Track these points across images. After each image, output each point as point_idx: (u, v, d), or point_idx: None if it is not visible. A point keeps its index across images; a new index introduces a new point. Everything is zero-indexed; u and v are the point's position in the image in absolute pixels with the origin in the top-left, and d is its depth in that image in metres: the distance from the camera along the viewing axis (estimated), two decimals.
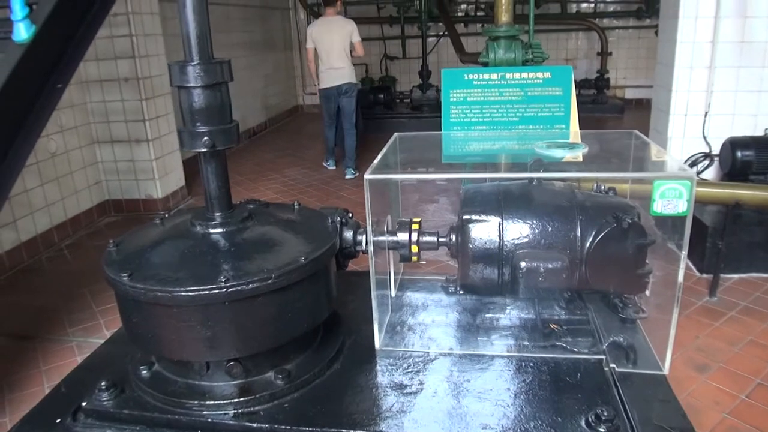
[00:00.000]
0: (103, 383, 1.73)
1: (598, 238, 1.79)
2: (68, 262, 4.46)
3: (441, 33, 10.12)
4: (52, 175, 4.71)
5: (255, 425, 1.59)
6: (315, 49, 6.49)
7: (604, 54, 9.76)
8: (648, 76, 9.98)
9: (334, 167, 6.84)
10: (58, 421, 1.70)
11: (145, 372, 1.78)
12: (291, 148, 8.28)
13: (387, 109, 9.18)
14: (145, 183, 5.39)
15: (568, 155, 1.95)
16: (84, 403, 1.72)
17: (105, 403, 1.71)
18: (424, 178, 1.97)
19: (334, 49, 6.29)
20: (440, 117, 8.64)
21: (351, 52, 6.45)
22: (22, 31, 2.53)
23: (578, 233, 1.80)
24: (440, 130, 2.62)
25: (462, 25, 10.52)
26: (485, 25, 10.28)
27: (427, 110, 8.74)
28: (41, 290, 4.00)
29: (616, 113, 9.42)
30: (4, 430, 2.60)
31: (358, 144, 6.66)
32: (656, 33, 9.41)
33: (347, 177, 6.39)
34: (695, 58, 4.24)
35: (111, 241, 1.79)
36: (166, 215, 2.05)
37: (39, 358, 3.15)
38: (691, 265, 3.78)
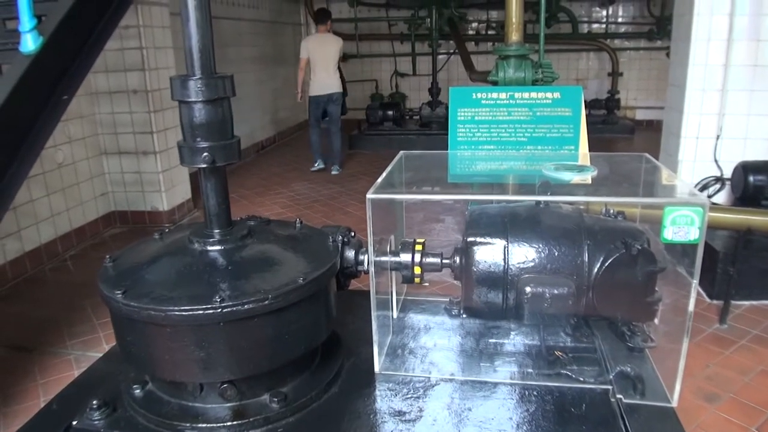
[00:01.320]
0: (94, 402, 1.68)
1: (606, 264, 1.74)
2: (71, 274, 4.44)
3: (451, 51, 10.13)
4: (59, 186, 4.71)
5: None
6: (308, 59, 7.31)
7: (614, 74, 9.75)
8: (659, 98, 9.95)
9: (323, 166, 7.61)
10: None
11: (138, 391, 1.73)
12: (298, 162, 8.28)
13: (396, 126, 9.17)
14: (152, 195, 5.38)
15: (576, 178, 1.90)
16: (75, 422, 1.68)
17: (96, 422, 1.66)
18: (427, 198, 1.93)
19: (326, 62, 7.21)
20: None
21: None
22: (30, 43, 2.53)
23: (586, 258, 1.75)
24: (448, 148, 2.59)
25: (473, 43, 10.54)
26: (496, 43, 10.29)
27: (435, 127, 8.73)
28: (43, 301, 3.98)
29: (627, 134, 9.38)
30: None
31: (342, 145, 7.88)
32: (668, 55, 9.39)
33: (333, 173, 7.46)
34: (707, 81, 4.20)
35: (107, 256, 1.76)
36: (167, 230, 2.02)
37: (36, 371, 3.11)
38: (701, 290, 3.71)
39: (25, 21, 2.51)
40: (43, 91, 2.66)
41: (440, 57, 9.78)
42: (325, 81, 7.23)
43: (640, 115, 10.44)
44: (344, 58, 11.25)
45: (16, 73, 2.49)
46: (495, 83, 3.63)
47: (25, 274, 4.34)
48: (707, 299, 3.66)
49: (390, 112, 9.12)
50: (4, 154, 2.54)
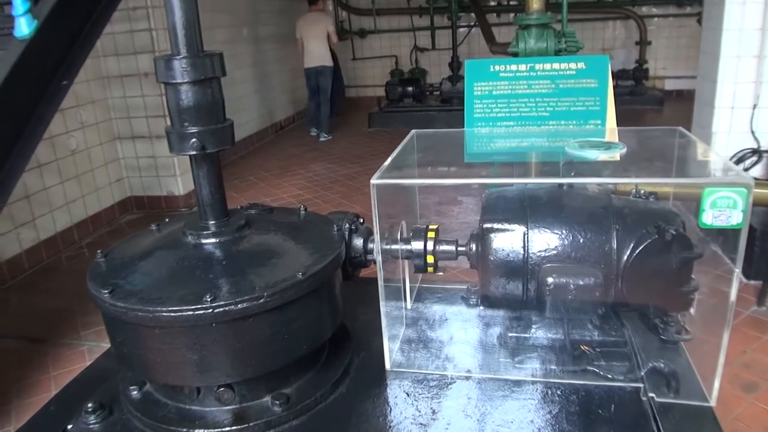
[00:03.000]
0: (89, 405, 1.59)
1: (638, 252, 1.58)
2: (87, 262, 4.36)
3: (472, 23, 9.85)
4: (73, 173, 4.65)
5: None
6: (302, 38, 8.08)
7: (642, 43, 9.38)
8: (689, 66, 9.57)
9: (315, 133, 8.48)
10: None
11: (135, 393, 1.64)
12: (317, 143, 8.16)
13: (416, 102, 8.97)
14: (167, 179, 5.31)
15: (603, 156, 1.74)
16: (70, 426, 1.59)
17: (91, 426, 1.58)
18: (437, 183, 1.78)
19: (314, 38, 7.96)
20: None
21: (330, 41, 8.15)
22: (23, 27, 2.42)
23: (614, 245, 1.60)
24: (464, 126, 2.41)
25: (494, 15, 10.22)
26: (518, 14, 9.98)
27: (457, 103, 8.52)
28: (58, 291, 3.93)
29: (656, 105, 9.04)
30: None
31: (332, 114, 8.77)
32: (698, 21, 9.03)
33: (321, 140, 8.30)
34: (743, 47, 3.94)
35: (99, 251, 1.65)
36: (167, 219, 1.92)
37: (49, 363, 3.06)
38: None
39: (18, 4, 2.40)
40: (40, 77, 2.56)
41: (461, 30, 9.52)
42: (314, 54, 8.01)
43: (670, 85, 10.06)
44: (362, 34, 11.07)
45: (11, 58, 2.39)
46: (515, 55, 3.44)
47: (42, 263, 4.31)
48: (744, 279, 3.46)
49: (410, 89, 8.90)
50: (2, 142, 2.45)
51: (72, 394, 1.83)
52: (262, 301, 1.36)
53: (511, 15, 10.18)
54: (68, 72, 2.68)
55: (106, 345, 3.20)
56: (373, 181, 1.51)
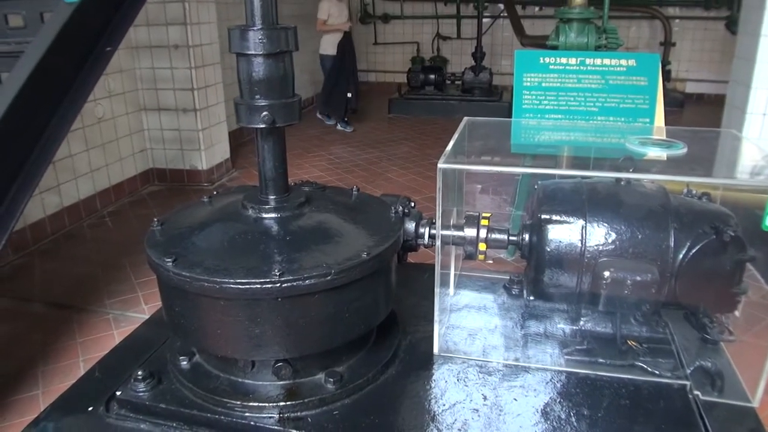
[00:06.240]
0: (139, 373, 1.60)
1: (694, 251, 1.59)
2: (109, 230, 4.40)
3: (498, 14, 9.77)
4: (98, 141, 4.65)
5: None
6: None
7: (667, 44, 9.30)
8: (711, 70, 9.51)
9: (332, 122, 8.02)
10: (90, 409, 1.59)
11: (184, 363, 1.65)
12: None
13: (437, 90, 8.90)
14: (191, 153, 5.30)
15: (664, 154, 1.73)
16: (118, 393, 1.60)
17: (141, 394, 1.59)
18: (503, 171, 1.78)
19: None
20: (492, 101, 8.28)
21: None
22: None
23: (671, 243, 1.60)
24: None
25: (519, 6, 10.13)
26: (543, 8, 9.90)
27: (478, 93, 8.44)
28: (81, 258, 3.94)
29: (676, 107, 8.95)
30: (38, 402, 2.53)
31: (331, 101, 8.00)
32: (726, 26, 8.95)
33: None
34: None
35: (155, 219, 1.66)
36: (215, 192, 1.91)
37: (75, 329, 3.08)
38: (759, 277, 3.49)
39: None
40: (86, 42, 2.55)
41: (485, 20, 9.44)
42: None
43: (690, 87, 9.97)
44: (386, 19, 10.99)
45: (58, 21, 2.38)
46: (554, 48, 3.42)
47: (64, 230, 4.32)
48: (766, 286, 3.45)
49: (432, 76, 8.83)
50: (46, 105, 2.45)
51: (116, 361, 1.84)
52: (329, 278, 1.37)
53: (536, 8, 10.09)
54: (112, 38, 2.67)
55: (132, 315, 3.22)
56: (440, 165, 1.51)
